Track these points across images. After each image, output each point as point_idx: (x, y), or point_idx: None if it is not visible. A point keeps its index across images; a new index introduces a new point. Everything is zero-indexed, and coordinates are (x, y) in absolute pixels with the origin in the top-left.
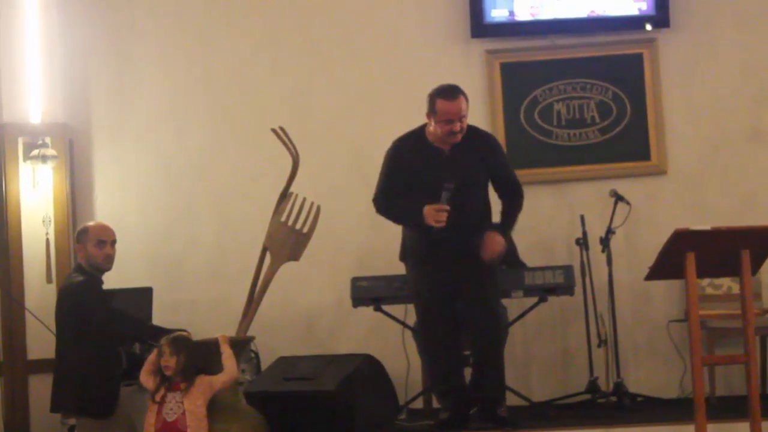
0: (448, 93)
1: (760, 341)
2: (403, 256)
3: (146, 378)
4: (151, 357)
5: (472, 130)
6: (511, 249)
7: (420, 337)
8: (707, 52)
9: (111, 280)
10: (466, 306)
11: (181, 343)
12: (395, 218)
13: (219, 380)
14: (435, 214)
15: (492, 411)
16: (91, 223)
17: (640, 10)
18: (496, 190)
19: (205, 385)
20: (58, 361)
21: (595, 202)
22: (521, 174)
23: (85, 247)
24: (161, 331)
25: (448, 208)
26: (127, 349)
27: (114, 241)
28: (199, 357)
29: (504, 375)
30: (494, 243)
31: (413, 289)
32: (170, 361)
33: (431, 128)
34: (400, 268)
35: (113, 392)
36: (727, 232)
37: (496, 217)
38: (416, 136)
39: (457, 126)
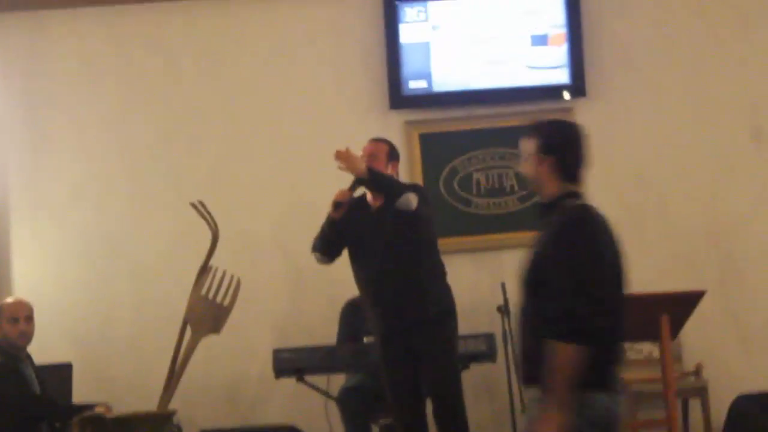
0: (371, 138)
1: (682, 404)
2: None
3: None
4: None
5: None
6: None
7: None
8: (622, 121)
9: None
10: (423, 375)
11: (88, 422)
12: (319, 238)
13: None
14: (335, 195)
15: None
16: (6, 301)
17: (556, 80)
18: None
19: None
20: None
21: (515, 270)
22: (442, 242)
23: (1, 325)
24: (78, 410)
25: (348, 190)
26: (51, 426)
27: (28, 317)
28: None
29: None
30: (353, 158)
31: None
32: None
33: None
34: (322, 339)
35: None
36: (646, 298)
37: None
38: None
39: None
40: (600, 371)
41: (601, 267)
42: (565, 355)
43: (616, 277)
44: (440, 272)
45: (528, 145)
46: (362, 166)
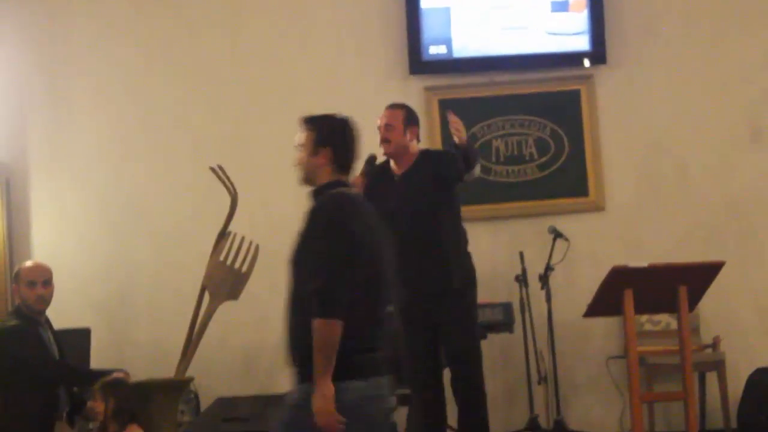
0: (388, 104)
1: (699, 377)
2: None
3: None
4: None
5: (428, 153)
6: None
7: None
8: (642, 89)
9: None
10: (445, 347)
11: (110, 387)
12: None
13: None
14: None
15: None
16: (24, 264)
17: (577, 47)
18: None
19: None
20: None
21: (534, 239)
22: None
23: (19, 289)
24: (96, 375)
25: (360, 178)
26: (69, 390)
27: (46, 281)
28: (132, 401)
29: (486, 413)
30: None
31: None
32: (99, 407)
33: None
34: None
35: None
36: (664, 269)
37: (478, 250)
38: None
39: (381, 133)
40: (353, 359)
41: (349, 247)
42: (323, 330)
43: (372, 262)
44: (464, 241)
45: (303, 137)
46: (465, 136)
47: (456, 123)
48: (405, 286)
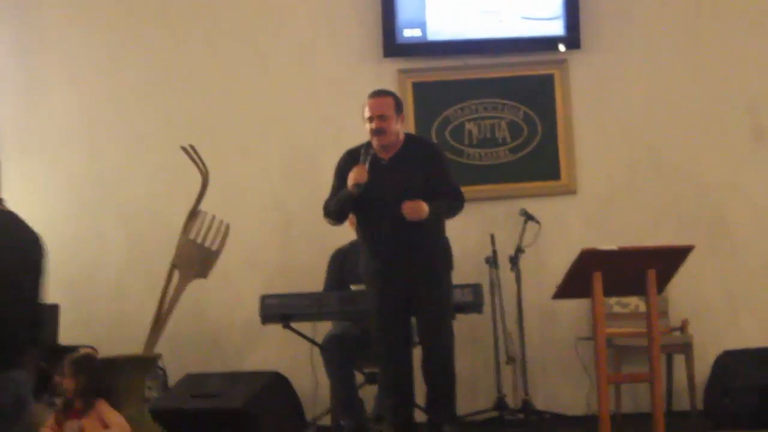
0: (374, 92)
1: (666, 359)
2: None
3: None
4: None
5: (414, 139)
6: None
7: (377, 351)
8: (616, 74)
9: None
10: (419, 323)
11: (81, 364)
12: (336, 209)
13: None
14: (353, 174)
15: (438, 428)
16: None
17: (551, 31)
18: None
19: (102, 415)
20: None
21: (505, 221)
22: None
23: None
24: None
25: (365, 167)
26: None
27: None
28: (101, 378)
29: (454, 392)
30: (417, 207)
31: (371, 306)
32: (69, 383)
33: None
34: (310, 286)
35: None
36: (633, 252)
37: (450, 232)
38: (364, 145)
39: (375, 124)
40: None
41: None
42: None
43: None
44: (443, 225)
45: None
46: (425, 212)
47: (409, 210)
48: (387, 265)
